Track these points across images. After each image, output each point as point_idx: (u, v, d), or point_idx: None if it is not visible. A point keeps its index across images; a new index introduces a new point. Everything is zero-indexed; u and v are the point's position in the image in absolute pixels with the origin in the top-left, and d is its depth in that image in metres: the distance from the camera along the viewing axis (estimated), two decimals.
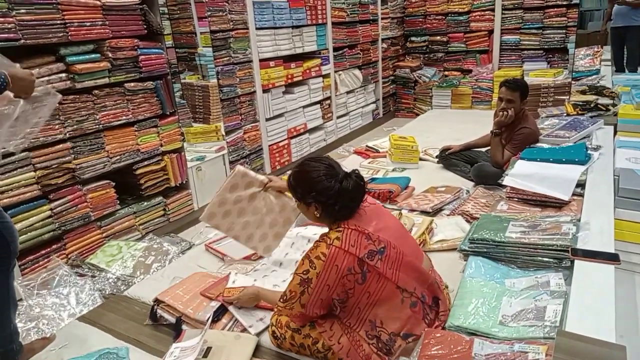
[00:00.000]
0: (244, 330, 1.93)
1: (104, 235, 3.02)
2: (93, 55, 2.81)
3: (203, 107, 4.53)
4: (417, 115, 6.23)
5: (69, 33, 2.67)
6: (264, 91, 4.27)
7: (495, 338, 1.57)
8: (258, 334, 1.88)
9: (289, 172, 1.70)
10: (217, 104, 4.12)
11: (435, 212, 2.79)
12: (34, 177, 2.60)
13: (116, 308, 2.26)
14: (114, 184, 3.03)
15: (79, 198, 2.84)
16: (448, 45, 6.44)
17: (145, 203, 3.26)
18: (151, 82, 3.16)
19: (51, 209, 2.70)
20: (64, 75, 2.69)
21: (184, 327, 2.00)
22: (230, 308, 2.00)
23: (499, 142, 3.18)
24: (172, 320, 2.04)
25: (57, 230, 2.74)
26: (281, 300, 1.65)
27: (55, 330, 2.28)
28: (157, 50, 3.18)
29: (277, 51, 4.36)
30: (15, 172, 2.53)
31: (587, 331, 1.27)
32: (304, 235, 2.45)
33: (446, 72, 6.56)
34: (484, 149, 3.59)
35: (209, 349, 1.80)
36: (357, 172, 1.62)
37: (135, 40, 3.02)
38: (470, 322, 1.64)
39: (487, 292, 1.75)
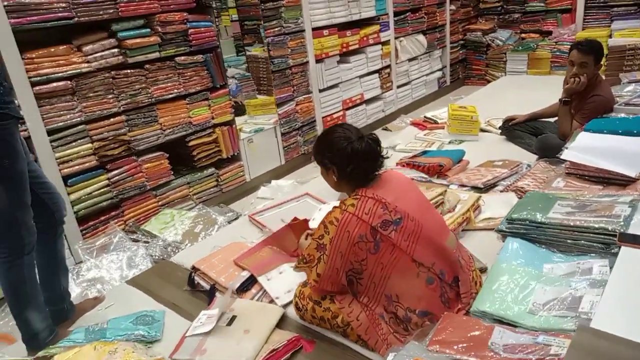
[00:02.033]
0: (272, 301, 1.95)
1: (159, 203, 3.18)
2: (143, 30, 2.91)
3: (266, 79, 4.56)
4: (489, 82, 5.83)
5: (119, 9, 2.77)
6: (317, 61, 4.18)
7: (522, 327, 1.45)
8: (284, 306, 1.90)
9: None
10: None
11: (488, 188, 2.60)
12: (92, 148, 2.79)
13: (161, 273, 2.38)
14: (167, 155, 3.17)
15: (135, 168, 3.00)
16: (525, 5, 5.90)
17: (199, 174, 3.38)
18: (201, 56, 3.22)
19: (108, 179, 2.88)
20: (116, 50, 2.82)
21: (217, 294, 2.07)
22: (260, 278, 2.02)
23: (567, 112, 2.88)
24: (207, 287, 2.11)
25: (114, 198, 2.93)
26: (298, 260, 1.70)
27: (106, 291, 2.47)
28: (206, 23, 3.22)
29: (332, 19, 4.24)
30: (74, 143, 2.73)
31: (616, 328, 1.12)
32: None
33: (523, 35, 6.04)
34: (552, 120, 3.28)
35: (233, 317, 1.84)
36: (374, 135, 1.61)
37: (185, 14, 3.07)
38: (497, 308, 1.52)
39: (521, 276, 1.61)
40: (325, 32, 4.20)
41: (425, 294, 1.51)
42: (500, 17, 6.23)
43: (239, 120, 4.05)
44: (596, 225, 1.60)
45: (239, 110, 4.27)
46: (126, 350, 1.69)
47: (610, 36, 5.08)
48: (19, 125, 1.76)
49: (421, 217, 1.53)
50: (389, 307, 1.53)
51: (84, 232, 2.83)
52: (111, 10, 2.75)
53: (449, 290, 1.55)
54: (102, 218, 2.91)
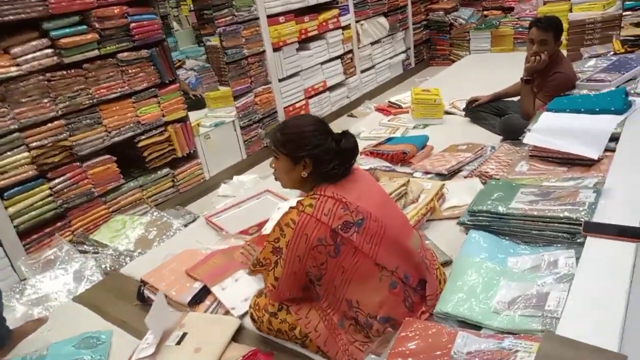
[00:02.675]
0: (227, 312, 1.82)
1: (110, 210, 3.00)
2: (79, 28, 2.69)
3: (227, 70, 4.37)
4: (454, 62, 5.75)
5: (49, 6, 2.54)
6: (275, 50, 4.00)
7: (487, 329, 1.35)
8: (242, 316, 1.77)
9: (268, 142, 1.59)
10: None
11: (452, 174, 2.51)
12: (29, 157, 2.58)
13: (110, 287, 2.22)
14: (115, 158, 2.98)
15: (79, 175, 2.81)
16: None
17: (152, 175, 3.20)
18: (146, 50, 3.02)
19: (50, 188, 2.68)
20: (50, 51, 2.60)
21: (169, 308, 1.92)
22: (213, 289, 1.89)
23: (529, 91, 2.80)
24: None
25: (59, 208, 2.74)
26: (259, 265, 1.58)
27: (51, 310, 2.30)
28: (149, 16, 3.01)
29: (288, 4, 4.05)
30: (8, 153, 2.51)
31: (583, 331, 1.03)
32: None
33: (485, 12, 5.96)
34: (516, 99, 3.20)
35: (184, 334, 1.71)
36: (347, 131, 1.50)
37: (124, 7, 2.86)
38: (461, 310, 1.43)
39: (485, 272, 1.51)
40: (282, 18, 4.01)
41: (388, 299, 1.41)
42: None
43: (198, 114, 3.88)
44: (560, 215, 1.51)
45: (199, 103, 4.09)
46: None
47: (570, 10, 5.04)
48: None
49: (384, 216, 1.42)
50: (349, 312, 1.43)
51: (27, 246, 2.63)
52: (40, 8, 2.51)
53: (413, 294, 1.46)
54: (47, 230, 2.71)
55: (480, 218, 1.67)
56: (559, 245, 1.51)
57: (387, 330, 1.41)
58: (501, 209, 1.62)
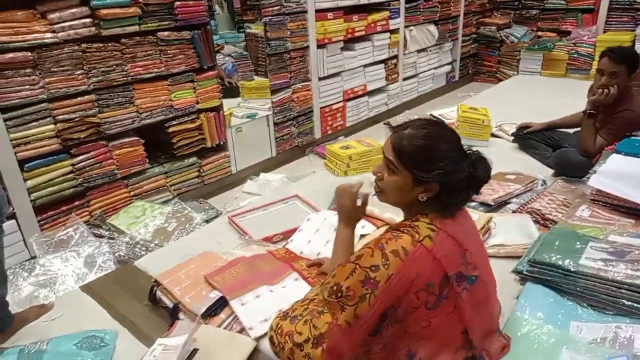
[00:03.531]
0: (243, 330, 1.66)
1: (131, 194, 2.87)
2: (121, 0, 2.55)
3: (265, 61, 4.21)
4: (500, 80, 5.51)
5: None
6: (319, 46, 3.83)
7: None
8: (258, 338, 1.60)
9: (390, 134, 1.20)
10: None
11: (499, 205, 2.31)
12: (54, 130, 2.46)
13: (122, 280, 2.08)
14: (143, 141, 2.85)
15: (104, 154, 2.68)
16: (545, 1, 5.54)
17: (178, 163, 3.07)
18: (188, 32, 2.87)
19: (72, 164, 2.57)
20: (88, 20, 2.47)
21: (180, 315, 1.78)
22: (232, 302, 1.72)
23: (591, 125, 2.57)
24: (170, 305, 1.81)
25: (79, 186, 2.62)
26: (328, 291, 1.17)
27: (61, 295, 2.18)
28: None
29: (338, 1, 3.86)
30: (34, 123, 2.39)
31: None
32: (331, 223, 2.10)
33: (539, 33, 5.70)
34: (571, 131, 2.98)
35: (194, 351, 1.55)
36: (482, 156, 1.19)
37: None
38: None
39: (546, 336, 1.31)
40: (330, 15, 3.83)
41: None
42: (517, 12, 5.87)
43: (231, 102, 3.73)
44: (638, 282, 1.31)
45: (233, 92, 3.94)
46: None
47: (633, 41, 4.76)
48: None
49: (488, 278, 1.20)
50: None
51: (42, 223, 2.52)
52: None
53: None
54: (64, 208, 2.59)
55: (543, 271, 1.47)
56: (634, 317, 1.31)
57: None
58: (569, 266, 1.42)
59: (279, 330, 1.43)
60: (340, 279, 1.14)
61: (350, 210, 1.29)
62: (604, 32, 5.11)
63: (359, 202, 1.40)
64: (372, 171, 1.24)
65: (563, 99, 3.89)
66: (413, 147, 1.13)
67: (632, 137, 2.35)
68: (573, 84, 4.76)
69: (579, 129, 2.74)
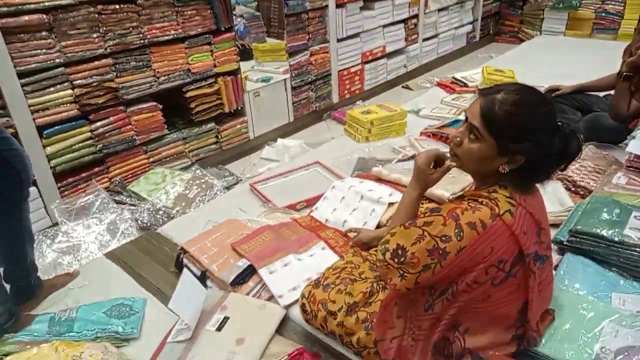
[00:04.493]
0: (271, 298, 1.65)
1: (150, 160, 2.84)
2: None
3: (278, 22, 4.08)
4: (522, 41, 5.31)
5: None
6: (338, 6, 3.67)
7: None
8: (287, 306, 1.59)
9: (478, 98, 1.10)
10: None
11: None
12: (72, 96, 2.41)
13: (146, 247, 2.07)
14: (161, 106, 2.78)
15: (123, 120, 2.64)
16: None
17: (196, 129, 3.01)
18: None
19: (91, 131, 2.53)
20: None
21: (208, 283, 1.77)
22: (261, 271, 1.71)
23: (627, 89, 2.45)
24: (197, 273, 1.80)
25: (98, 153, 2.59)
26: (391, 253, 1.09)
27: (85, 262, 2.18)
28: None
29: None
30: (51, 89, 2.34)
31: None
32: (357, 191, 2.06)
33: None
34: (601, 94, 2.86)
35: (225, 319, 1.55)
36: (574, 130, 1.11)
37: None
38: (562, 355, 1.19)
39: (586, 310, 1.28)
40: None
41: (498, 347, 1.15)
42: None
43: (245, 65, 3.62)
44: None
45: (246, 54, 3.82)
46: (93, 357, 1.41)
47: None
48: None
49: (549, 261, 1.18)
50: (447, 332, 1.15)
51: (62, 189, 2.50)
52: None
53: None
54: (84, 175, 2.57)
55: (584, 241, 1.42)
56: None
57: None
58: (613, 236, 1.37)
59: (312, 298, 1.42)
60: (406, 242, 1.07)
61: (422, 171, 1.22)
62: None
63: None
64: (451, 135, 1.15)
65: (589, 61, 3.73)
66: (504, 114, 1.04)
67: None
68: (599, 44, 4.57)
69: (609, 92, 2.63)
